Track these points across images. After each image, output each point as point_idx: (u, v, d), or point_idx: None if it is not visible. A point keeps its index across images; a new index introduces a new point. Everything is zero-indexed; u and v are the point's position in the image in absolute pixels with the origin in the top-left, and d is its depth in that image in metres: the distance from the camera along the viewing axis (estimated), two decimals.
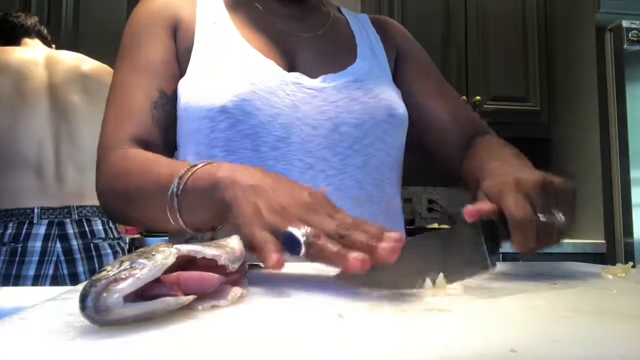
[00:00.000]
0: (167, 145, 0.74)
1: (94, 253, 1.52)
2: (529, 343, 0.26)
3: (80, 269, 1.49)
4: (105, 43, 1.57)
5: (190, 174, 0.54)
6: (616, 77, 2.13)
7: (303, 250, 0.41)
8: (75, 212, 1.51)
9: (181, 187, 0.53)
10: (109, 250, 1.55)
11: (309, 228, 0.42)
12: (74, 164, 1.53)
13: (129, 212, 0.67)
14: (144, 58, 0.73)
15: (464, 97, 2.43)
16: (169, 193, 0.54)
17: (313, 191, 0.47)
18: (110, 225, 1.59)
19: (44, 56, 1.59)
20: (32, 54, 1.58)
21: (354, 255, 0.38)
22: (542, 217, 0.49)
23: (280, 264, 0.40)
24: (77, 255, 1.49)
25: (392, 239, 0.39)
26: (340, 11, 0.91)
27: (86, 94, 1.57)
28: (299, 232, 0.41)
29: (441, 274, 0.42)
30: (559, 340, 0.26)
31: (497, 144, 0.75)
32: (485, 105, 2.45)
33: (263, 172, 0.51)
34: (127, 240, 1.93)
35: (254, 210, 0.46)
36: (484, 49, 2.49)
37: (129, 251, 1.82)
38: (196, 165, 0.54)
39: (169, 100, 0.73)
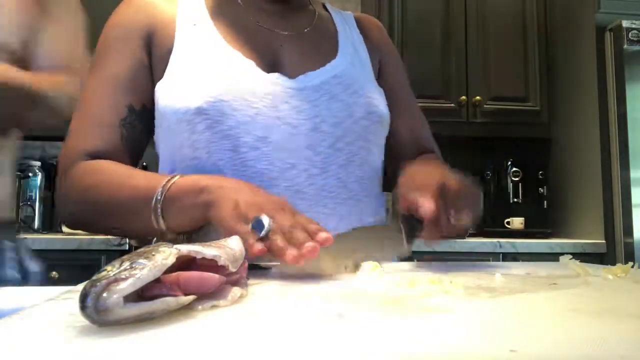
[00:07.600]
0: (133, 157, 0.75)
1: None
2: (529, 343, 0.26)
3: None
4: None
5: (171, 183, 0.62)
6: (616, 77, 2.13)
7: (264, 232, 0.51)
8: None
9: (164, 195, 0.61)
10: None
11: (272, 222, 0.52)
12: None
13: (101, 223, 0.70)
14: (112, 71, 0.73)
15: (464, 97, 2.43)
16: (154, 200, 0.61)
17: (281, 198, 0.59)
18: None
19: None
20: None
21: (290, 252, 0.49)
22: (451, 215, 0.58)
23: (262, 252, 0.50)
24: None
25: (317, 240, 0.50)
26: (325, 8, 0.91)
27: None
28: (267, 220, 0.52)
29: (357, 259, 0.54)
30: (559, 340, 0.26)
31: (432, 157, 0.83)
32: (485, 105, 2.45)
33: (244, 182, 0.62)
34: (127, 241, 1.93)
35: (234, 206, 0.55)
36: (484, 49, 2.48)
37: (128, 252, 1.82)
38: (175, 177, 0.63)
39: (137, 116, 0.74)
